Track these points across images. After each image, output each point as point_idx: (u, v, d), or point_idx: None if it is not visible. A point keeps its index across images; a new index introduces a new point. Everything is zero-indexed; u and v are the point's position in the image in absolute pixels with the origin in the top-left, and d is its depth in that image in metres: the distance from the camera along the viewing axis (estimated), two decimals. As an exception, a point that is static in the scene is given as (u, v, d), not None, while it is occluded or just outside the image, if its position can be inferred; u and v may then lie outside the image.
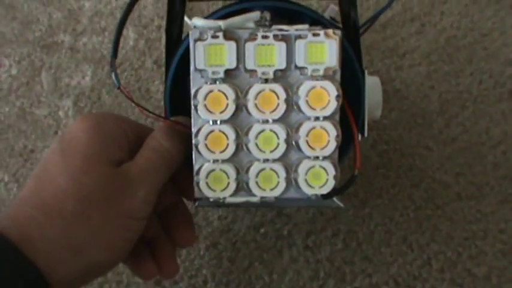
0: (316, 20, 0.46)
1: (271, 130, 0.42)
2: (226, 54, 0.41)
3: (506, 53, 0.66)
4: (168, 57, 0.47)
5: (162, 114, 0.49)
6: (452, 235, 0.55)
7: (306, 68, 0.41)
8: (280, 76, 0.41)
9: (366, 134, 0.47)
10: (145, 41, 0.68)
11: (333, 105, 0.41)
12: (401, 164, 0.59)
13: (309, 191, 0.43)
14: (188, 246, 0.53)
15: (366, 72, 0.46)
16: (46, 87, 0.66)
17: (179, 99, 0.46)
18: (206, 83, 0.41)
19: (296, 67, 0.41)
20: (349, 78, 0.44)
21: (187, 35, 0.44)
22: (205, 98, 0.41)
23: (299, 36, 0.41)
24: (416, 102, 0.63)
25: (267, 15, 0.41)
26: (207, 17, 0.46)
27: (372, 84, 0.51)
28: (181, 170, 0.44)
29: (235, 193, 0.43)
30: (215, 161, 0.43)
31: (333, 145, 0.42)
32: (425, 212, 0.57)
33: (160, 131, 0.44)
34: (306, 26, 0.41)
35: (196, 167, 0.43)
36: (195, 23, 0.41)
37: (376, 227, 0.56)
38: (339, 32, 0.41)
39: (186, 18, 0.65)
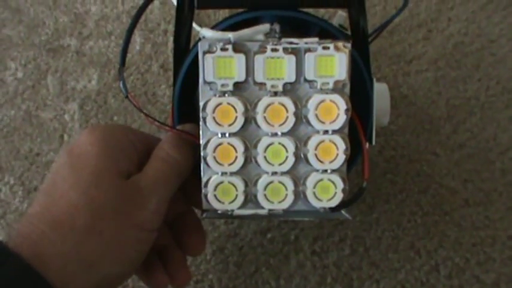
0: (324, 29, 0.46)
1: (280, 143, 0.42)
2: (235, 67, 0.41)
3: (513, 59, 0.66)
4: (176, 65, 0.47)
5: (169, 119, 0.49)
6: (460, 241, 0.55)
7: (316, 81, 0.41)
8: (289, 89, 0.41)
9: (373, 143, 0.47)
10: (152, 45, 0.68)
11: (342, 119, 0.41)
12: (408, 169, 0.59)
13: (317, 204, 0.43)
14: (199, 255, 0.52)
15: (374, 79, 0.46)
16: (52, 90, 0.66)
17: (187, 105, 0.46)
18: (215, 95, 0.41)
19: (305, 80, 0.41)
20: (357, 85, 0.43)
21: (196, 43, 0.43)
22: (214, 111, 0.41)
23: (309, 49, 0.41)
24: (424, 108, 0.63)
25: (277, 27, 0.41)
26: (215, 26, 0.46)
27: (380, 91, 0.51)
28: (190, 179, 0.44)
29: (244, 205, 0.43)
30: (223, 173, 0.42)
31: (341, 158, 0.42)
32: (433, 218, 0.56)
33: (167, 141, 0.43)
34: (316, 39, 0.41)
35: (204, 179, 0.42)
36: (204, 33, 0.41)
37: (384, 233, 0.56)
38: (348, 45, 0.41)
39: (194, 25, 0.65)
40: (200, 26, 0.68)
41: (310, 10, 0.47)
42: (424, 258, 0.54)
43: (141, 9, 0.47)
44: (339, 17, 0.56)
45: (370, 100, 0.46)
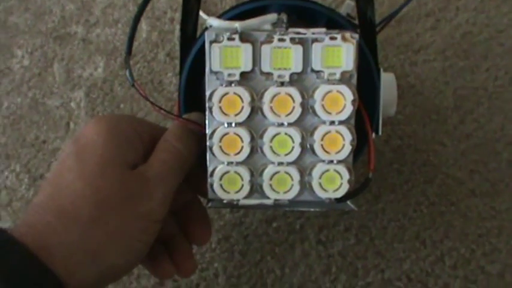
0: (332, 19, 0.46)
1: (286, 133, 0.42)
2: (242, 57, 0.40)
3: (522, 49, 0.65)
4: (182, 54, 0.47)
5: (175, 107, 0.49)
6: (466, 232, 0.55)
7: (323, 71, 0.41)
8: (296, 79, 0.41)
9: (380, 133, 0.46)
10: (159, 33, 0.68)
11: (348, 110, 0.41)
12: (415, 159, 0.59)
13: (323, 195, 0.43)
14: (205, 244, 0.53)
15: (381, 69, 0.46)
16: (58, 78, 0.66)
17: (193, 94, 0.46)
18: (221, 85, 0.41)
19: (312, 70, 0.41)
20: (364, 75, 0.43)
21: (203, 32, 0.43)
22: (220, 101, 0.41)
23: (316, 40, 0.40)
24: (431, 98, 0.62)
25: (284, 17, 0.41)
26: (222, 15, 0.46)
27: (387, 81, 0.51)
28: (195, 168, 0.44)
29: (249, 195, 0.43)
30: (229, 163, 0.42)
31: (347, 149, 0.42)
32: (439, 208, 0.56)
33: (172, 132, 0.43)
34: (323, 30, 0.40)
35: (210, 169, 0.42)
36: (210, 22, 0.41)
37: (389, 223, 0.55)
38: (356, 35, 0.40)
39: (201, 13, 0.65)
40: (207, 14, 0.68)
41: (318, -1, 0.47)
42: (429, 248, 0.54)
43: None
44: (347, 6, 0.55)
45: (377, 90, 0.46)
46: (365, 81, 0.43)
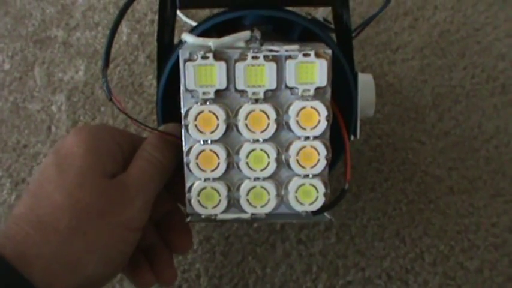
0: (307, 28, 0.46)
1: (261, 149, 0.42)
2: (216, 75, 0.40)
3: (499, 47, 0.66)
4: (159, 64, 0.47)
5: (155, 109, 0.49)
6: (444, 229, 0.55)
7: (297, 88, 0.41)
8: (270, 96, 0.41)
9: (358, 136, 0.47)
10: (139, 36, 0.68)
11: (323, 125, 0.41)
12: (394, 158, 0.59)
13: (299, 208, 0.43)
14: (186, 253, 0.53)
15: (359, 70, 0.46)
16: (39, 82, 0.66)
17: (172, 102, 0.46)
18: (197, 103, 0.41)
19: (286, 87, 0.41)
20: (341, 79, 0.44)
21: (179, 43, 0.43)
22: (196, 118, 0.41)
23: (289, 57, 0.40)
24: (409, 97, 0.63)
25: (257, 34, 0.41)
26: (197, 26, 0.46)
27: (365, 82, 0.51)
28: (175, 177, 0.44)
29: (227, 210, 0.43)
30: (206, 179, 0.43)
31: (323, 164, 0.42)
32: (418, 206, 0.57)
33: (150, 142, 0.44)
34: (297, 46, 0.40)
35: (188, 185, 0.43)
36: (185, 38, 0.41)
37: (369, 221, 0.56)
38: (329, 51, 0.40)
39: (181, 15, 0.65)
40: (187, 16, 0.68)
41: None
42: (409, 246, 0.55)
43: (127, 6, 0.47)
44: (323, 10, 0.56)
45: (353, 95, 0.46)
46: (342, 85, 0.44)
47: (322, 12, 0.55)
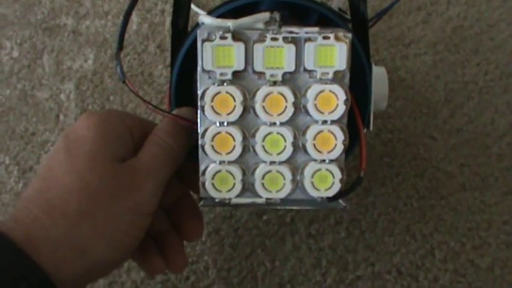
0: (323, 14, 0.45)
1: (278, 133, 0.41)
2: (234, 56, 0.40)
3: (512, 44, 0.65)
4: (173, 49, 0.46)
5: (165, 99, 0.48)
6: (455, 225, 0.55)
7: (315, 71, 0.40)
8: (288, 79, 0.41)
9: (371, 128, 0.46)
10: (149, 25, 0.68)
11: (341, 109, 0.41)
12: (405, 153, 0.59)
13: (314, 194, 0.43)
14: (197, 240, 0.52)
15: (373, 63, 0.46)
16: (48, 70, 0.65)
17: (184, 88, 0.45)
18: (214, 84, 0.40)
19: (305, 70, 0.40)
20: (356, 70, 0.43)
21: (195, 27, 0.43)
22: (212, 100, 0.40)
23: (309, 39, 0.40)
24: (422, 92, 0.63)
25: (277, 16, 0.40)
26: (213, 11, 0.45)
27: (378, 75, 0.51)
28: (186, 164, 0.44)
29: (241, 194, 0.43)
30: (221, 162, 0.42)
31: (340, 149, 0.42)
32: (429, 201, 0.56)
33: (162, 127, 0.43)
34: (316, 29, 0.40)
35: (202, 168, 0.42)
36: (203, 20, 0.40)
37: (380, 216, 0.55)
38: (349, 35, 0.40)
39: (192, 6, 0.64)
40: (198, 6, 0.67)
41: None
42: (419, 242, 0.54)
43: None
44: (338, 0, 0.55)
45: (368, 86, 0.45)
46: (356, 76, 0.43)
47: (337, 3, 0.54)
